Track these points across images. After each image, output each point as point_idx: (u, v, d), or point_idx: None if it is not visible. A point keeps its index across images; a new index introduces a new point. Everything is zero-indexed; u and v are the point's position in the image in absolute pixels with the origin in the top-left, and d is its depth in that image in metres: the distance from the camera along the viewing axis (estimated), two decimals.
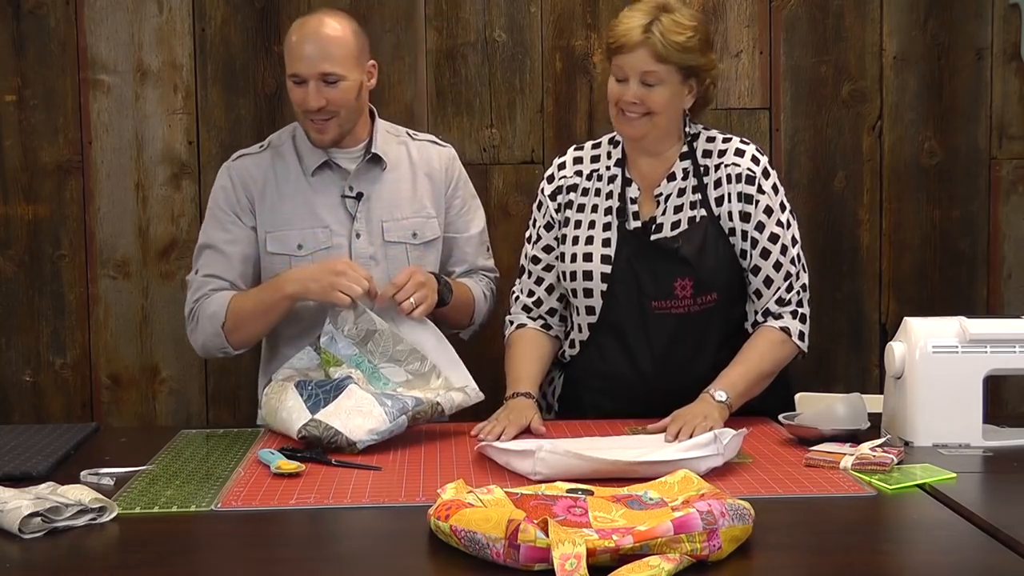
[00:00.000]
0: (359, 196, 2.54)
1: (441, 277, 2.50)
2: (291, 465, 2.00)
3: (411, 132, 2.70)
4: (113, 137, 3.15)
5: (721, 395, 2.29)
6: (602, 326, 2.46)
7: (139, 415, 3.19)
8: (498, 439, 2.18)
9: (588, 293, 2.45)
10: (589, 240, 2.46)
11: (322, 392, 2.21)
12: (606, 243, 2.44)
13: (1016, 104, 3.20)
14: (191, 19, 3.13)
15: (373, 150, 2.57)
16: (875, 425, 2.23)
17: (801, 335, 2.42)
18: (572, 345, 2.53)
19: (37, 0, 3.11)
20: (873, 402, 2.28)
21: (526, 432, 2.25)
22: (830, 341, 3.24)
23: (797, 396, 2.73)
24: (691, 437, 2.07)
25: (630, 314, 2.42)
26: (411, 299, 2.36)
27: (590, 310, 2.46)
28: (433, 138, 2.73)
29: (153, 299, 3.18)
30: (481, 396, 2.33)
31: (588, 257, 2.45)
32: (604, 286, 2.43)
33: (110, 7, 3.12)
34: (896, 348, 2.17)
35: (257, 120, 3.14)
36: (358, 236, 2.53)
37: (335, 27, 2.49)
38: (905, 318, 2.22)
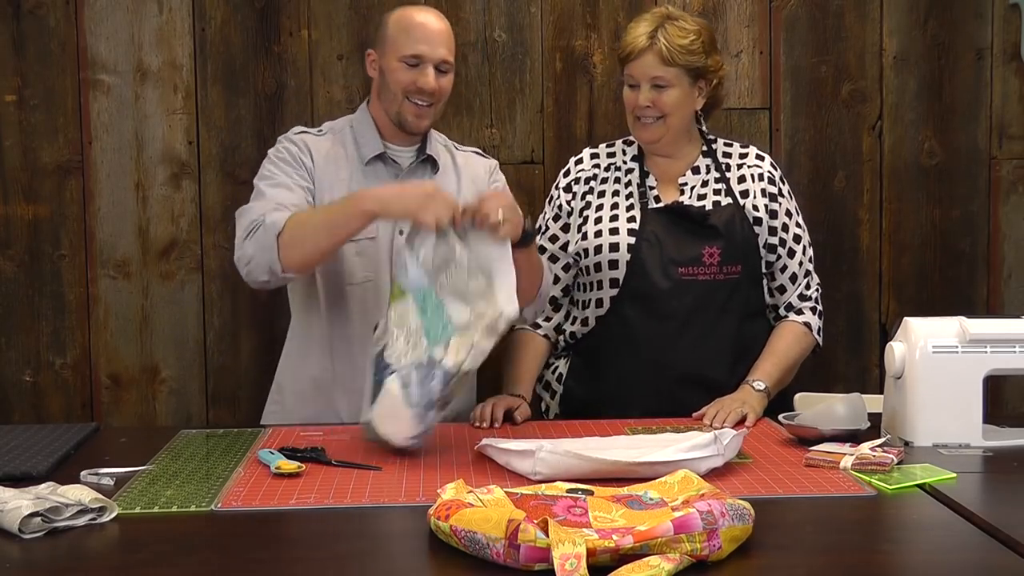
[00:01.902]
0: None
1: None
2: (291, 465, 2.00)
3: (455, 143, 2.72)
4: (113, 137, 3.15)
5: (760, 384, 2.46)
6: (625, 296, 2.55)
7: (139, 415, 3.19)
8: (492, 424, 2.34)
9: (613, 264, 2.55)
10: (614, 217, 2.58)
11: (375, 381, 2.16)
12: (631, 219, 2.56)
13: (1016, 104, 3.20)
14: (191, 19, 3.13)
15: (428, 151, 2.59)
16: (875, 425, 2.23)
17: (819, 330, 2.64)
18: (584, 323, 2.61)
19: (37, 0, 3.11)
20: (873, 402, 2.28)
21: (507, 423, 2.37)
22: (830, 341, 3.24)
23: (797, 396, 2.73)
24: (724, 423, 2.29)
25: (657, 280, 2.52)
26: (500, 212, 2.17)
27: (614, 282, 2.55)
28: (477, 150, 2.76)
29: (153, 299, 3.18)
30: (513, 315, 2.14)
31: (614, 231, 2.56)
32: (629, 256, 2.54)
33: (110, 7, 3.12)
34: (896, 348, 2.17)
35: (257, 120, 3.14)
36: (401, 233, 2.51)
37: (445, 20, 2.57)
38: (905, 318, 2.22)
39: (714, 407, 2.37)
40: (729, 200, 2.57)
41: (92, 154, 3.15)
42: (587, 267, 2.59)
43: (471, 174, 2.65)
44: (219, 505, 1.82)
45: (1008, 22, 3.18)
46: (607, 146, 2.70)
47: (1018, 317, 2.20)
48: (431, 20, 2.53)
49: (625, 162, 2.64)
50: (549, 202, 2.70)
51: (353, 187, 2.52)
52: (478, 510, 1.58)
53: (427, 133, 2.62)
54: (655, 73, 2.50)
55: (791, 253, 2.62)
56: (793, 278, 2.62)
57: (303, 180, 2.51)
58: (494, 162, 2.73)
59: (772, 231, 2.60)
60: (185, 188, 3.16)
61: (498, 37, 3.17)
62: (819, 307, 2.65)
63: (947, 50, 3.19)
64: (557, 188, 2.68)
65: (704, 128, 2.67)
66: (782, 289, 2.63)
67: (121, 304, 3.18)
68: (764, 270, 2.61)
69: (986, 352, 2.14)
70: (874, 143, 3.22)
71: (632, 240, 2.53)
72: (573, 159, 2.71)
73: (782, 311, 2.63)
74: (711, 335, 2.53)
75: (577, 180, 2.66)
